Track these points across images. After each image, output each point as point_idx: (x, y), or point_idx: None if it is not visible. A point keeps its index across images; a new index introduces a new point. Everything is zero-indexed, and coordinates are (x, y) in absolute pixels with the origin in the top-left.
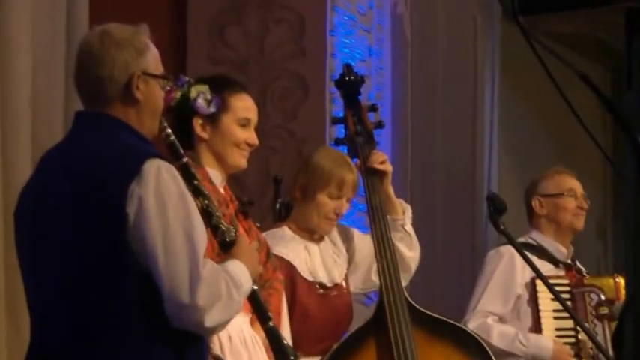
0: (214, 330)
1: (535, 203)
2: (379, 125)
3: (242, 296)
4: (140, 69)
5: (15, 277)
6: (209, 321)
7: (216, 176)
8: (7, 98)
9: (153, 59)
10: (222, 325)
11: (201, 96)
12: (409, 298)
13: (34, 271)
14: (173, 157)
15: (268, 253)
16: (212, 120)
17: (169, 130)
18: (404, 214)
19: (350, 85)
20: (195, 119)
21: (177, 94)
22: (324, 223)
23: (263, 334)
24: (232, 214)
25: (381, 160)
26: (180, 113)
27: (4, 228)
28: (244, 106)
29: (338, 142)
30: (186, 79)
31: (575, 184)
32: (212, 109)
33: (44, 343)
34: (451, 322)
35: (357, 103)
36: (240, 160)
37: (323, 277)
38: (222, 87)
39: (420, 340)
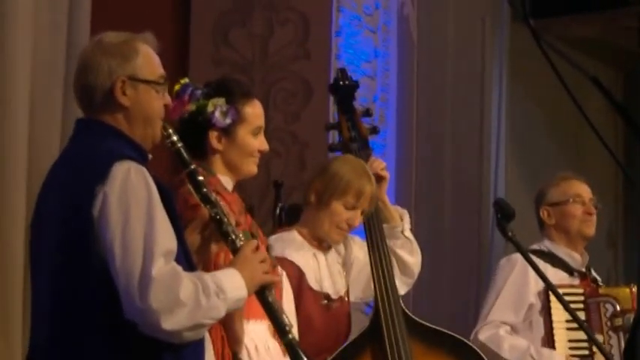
0: (180, 335)
1: (543, 213)
2: (374, 131)
3: (223, 303)
4: (125, 74)
5: (4, 287)
6: (168, 324)
7: (228, 183)
8: (5, 101)
9: (145, 65)
10: (190, 330)
11: (217, 109)
12: (405, 309)
13: (32, 278)
14: (180, 165)
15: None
16: (227, 132)
17: (175, 138)
18: (402, 220)
19: (344, 90)
20: (210, 132)
21: (192, 107)
22: (334, 232)
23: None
24: (251, 222)
25: (382, 166)
26: (195, 125)
27: None
28: (257, 113)
29: (332, 148)
30: (199, 90)
31: (583, 189)
32: (228, 121)
33: (32, 346)
34: (449, 332)
35: (351, 109)
36: (253, 167)
37: (329, 288)
38: (234, 96)
39: (417, 351)
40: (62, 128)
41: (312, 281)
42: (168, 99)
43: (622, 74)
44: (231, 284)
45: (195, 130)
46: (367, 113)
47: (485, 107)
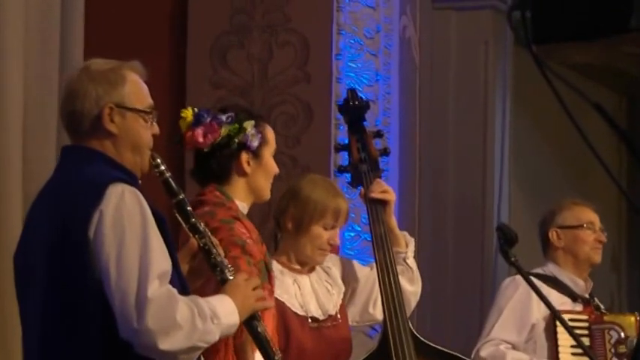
0: (175, 356)
1: (553, 234)
2: (385, 152)
3: (217, 328)
4: (113, 102)
5: (3, 297)
6: (164, 345)
7: (244, 209)
8: None
9: (132, 93)
10: (185, 352)
11: (251, 131)
12: (414, 330)
13: (20, 304)
14: (168, 195)
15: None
16: (256, 154)
17: (163, 167)
18: (407, 246)
19: (354, 110)
20: (243, 154)
21: (224, 131)
22: (317, 255)
23: None
24: (266, 252)
25: (382, 189)
26: (227, 148)
27: None
28: (273, 136)
29: (341, 170)
30: (222, 115)
31: (594, 217)
32: (256, 143)
33: None
34: (457, 355)
35: (361, 129)
36: (269, 192)
37: (314, 311)
38: (256, 119)
39: None
40: (57, 144)
41: (295, 307)
42: (156, 128)
43: (626, 98)
44: (224, 310)
45: (226, 153)
46: (378, 134)
47: (488, 130)
